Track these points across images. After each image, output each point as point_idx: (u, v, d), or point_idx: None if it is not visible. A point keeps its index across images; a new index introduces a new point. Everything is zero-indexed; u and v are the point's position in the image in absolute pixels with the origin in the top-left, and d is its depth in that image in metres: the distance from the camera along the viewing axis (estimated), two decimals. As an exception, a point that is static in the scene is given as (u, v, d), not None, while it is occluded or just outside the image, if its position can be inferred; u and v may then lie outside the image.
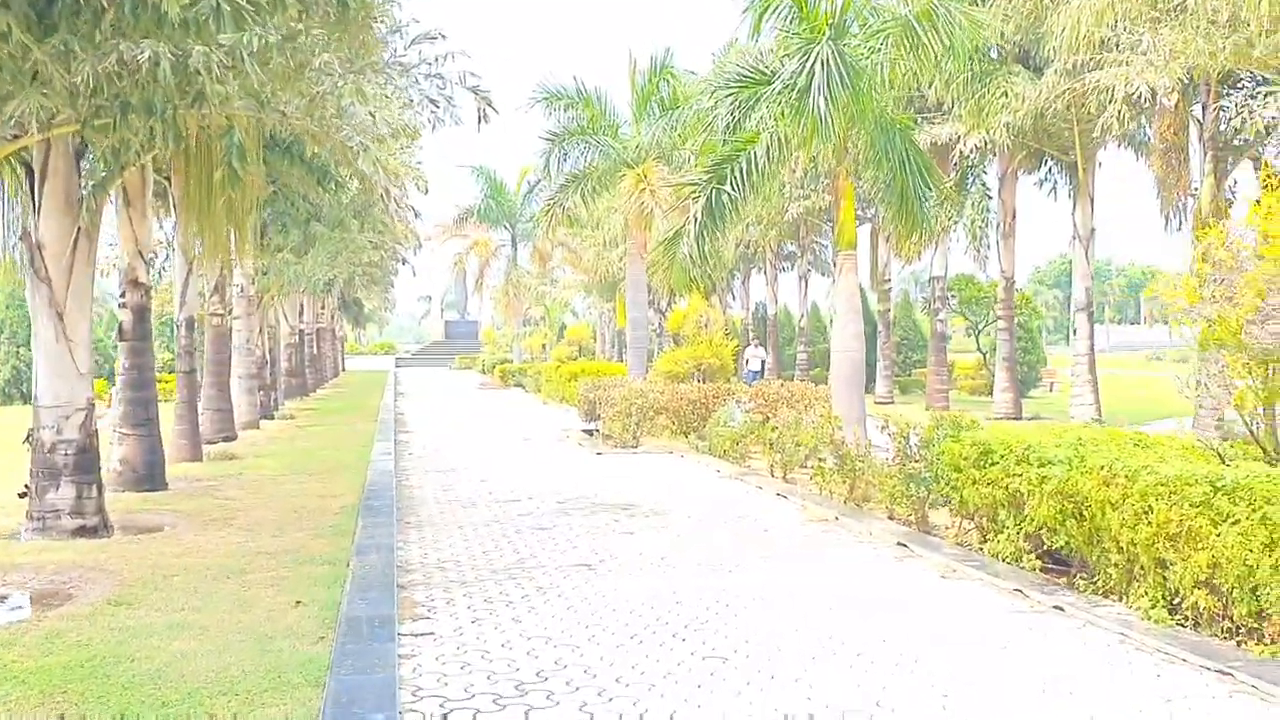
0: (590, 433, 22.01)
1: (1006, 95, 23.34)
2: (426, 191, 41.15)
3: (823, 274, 43.81)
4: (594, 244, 52.17)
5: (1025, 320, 36.26)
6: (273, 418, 27.68)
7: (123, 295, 14.64)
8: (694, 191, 14.39)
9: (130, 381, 14.70)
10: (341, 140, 9.86)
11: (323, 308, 57.56)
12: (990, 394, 39.85)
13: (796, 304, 45.69)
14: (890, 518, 11.62)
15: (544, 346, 54.19)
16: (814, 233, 40.25)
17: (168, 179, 15.85)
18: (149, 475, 14.58)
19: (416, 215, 44.94)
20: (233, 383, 24.76)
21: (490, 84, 11.21)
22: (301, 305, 43.01)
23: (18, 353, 37.87)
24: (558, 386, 33.83)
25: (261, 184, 24.39)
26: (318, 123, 9.58)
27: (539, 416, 29.07)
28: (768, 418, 18.40)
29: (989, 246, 27.06)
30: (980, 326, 38.23)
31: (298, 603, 7.93)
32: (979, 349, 39.64)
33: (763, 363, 37.40)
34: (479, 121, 12.00)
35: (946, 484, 10.08)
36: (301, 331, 42.09)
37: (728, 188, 13.91)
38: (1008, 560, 9.13)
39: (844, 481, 12.61)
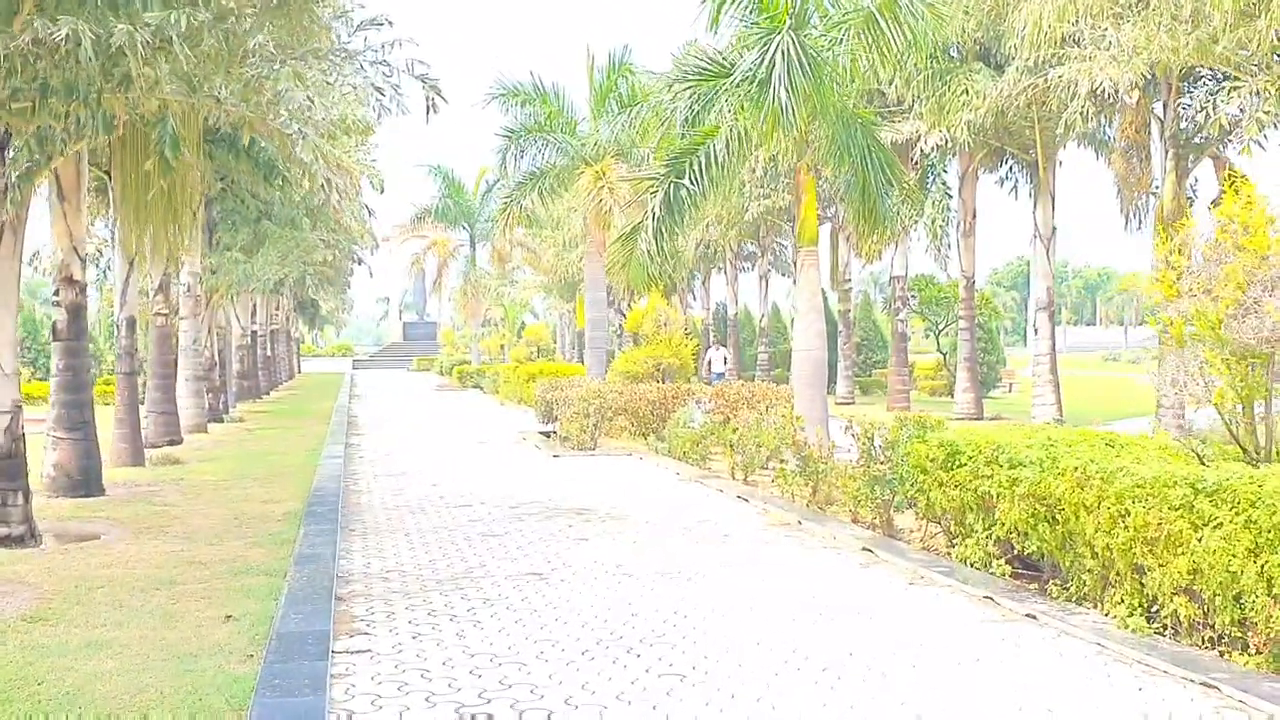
0: (547, 435, 21.54)
1: (968, 93, 23.15)
2: (382, 190, 40.51)
3: (783, 274, 43.60)
4: (553, 244, 51.79)
5: (985, 320, 36.20)
6: (222, 421, 26.95)
7: (56, 294, 14.01)
8: (652, 186, 13.99)
9: (65, 384, 14.05)
10: (278, 127, 9.35)
11: (277, 309, 56.63)
12: (950, 394, 39.89)
13: (757, 304, 45.52)
14: (854, 521, 11.28)
15: (502, 347, 53.60)
16: (774, 232, 40.02)
17: (107, 172, 15.21)
18: (84, 481, 13.96)
19: (370, 214, 44.30)
20: (179, 385, 24.13)
21: (446, 81, 10.77)
22: (254, 306, 42.18)
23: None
24: (516, 388, 33.32)
25: (206, 179, 23.79)
26: (253, 109, 9.05)
27: (496, 418, 28.55)
28: (728, 418, 18.04)
29: (950, 246, 26.92)
30: (940, 327, 38.14)
31: (228, 617, 7.43)
32: (939, 349, 39.56)
33: (726, 362, 37.09)
34: (428, 112, 11.53)
35: (912, 486, 9.74)
36: (254, 333, 41.26)
37: (686, 182, 13.52)
38: (977, 566, 8.80)
39: (806, 484, 12.26)
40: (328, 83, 10.36)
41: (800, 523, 11.20)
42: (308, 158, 9.88)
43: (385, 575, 8.99)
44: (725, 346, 40.43)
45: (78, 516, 12.16)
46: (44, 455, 14.01)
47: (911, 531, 10.32)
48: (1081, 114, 18.08)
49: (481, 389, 42.94)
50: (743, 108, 13.57)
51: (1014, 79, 21.75)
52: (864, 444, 10.68)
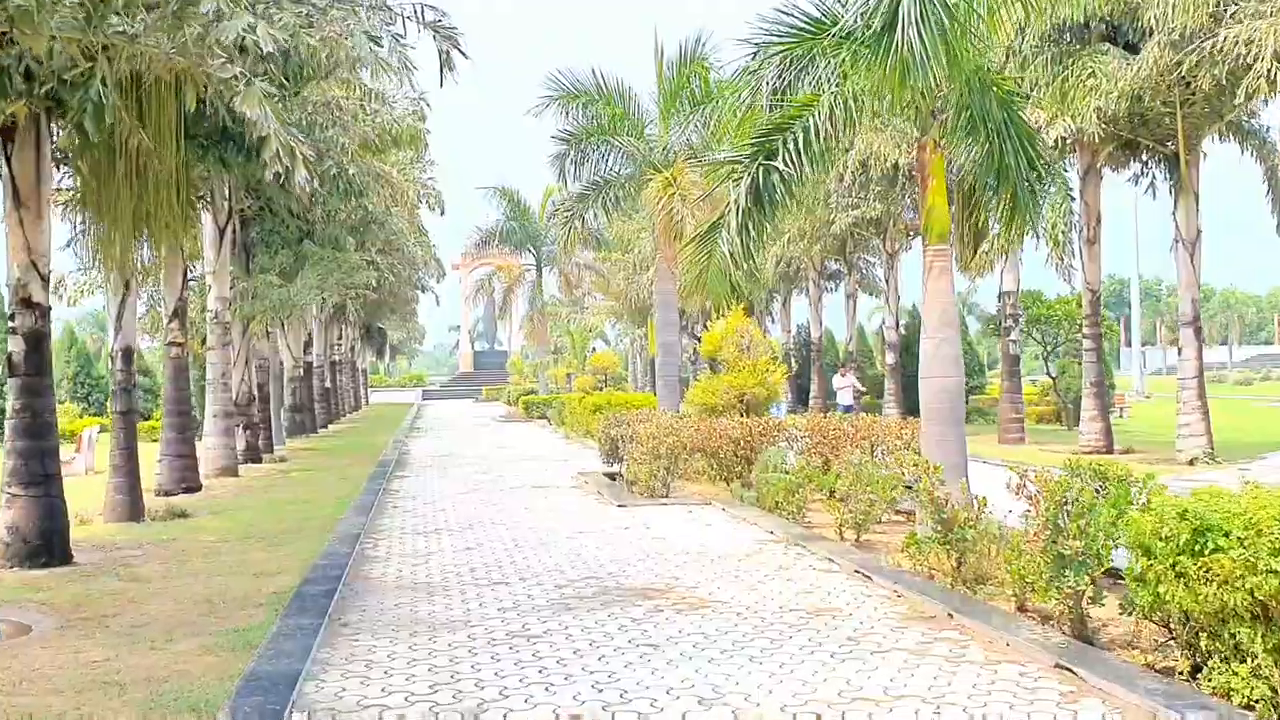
0: (612, 476, 18.66)
1: (1095, 75, 19.94)
2: (442, 212, 38.16)
3: (870, 294, 40.33)
4: (624, 268, 49.16)
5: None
6: (261, 460, 24.53)
7: (12, 319, 11.53)
8: (735, 172, 11.06)
9: (23, 428, 11.52)
10: (214, 72, 6.65)
11: (339, 338, 54.72)
12: (1057, 421, 36.26)
13: (837, 327, 42.31)
14: (1021, 610, 8.22)
15: (568, 376, 50.96)
16: (861, 248, 36.81)
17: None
18: (44, 547, 11.41)
19: (422, 230, 42.01)
20: (207, 423, 21.75)
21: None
22: (310, 335, 40.06)
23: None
24: (581, 419, 30.55)
25: (234, 194, 21.43)
26: (178, 47, 6.37)
27: (558, 455, 25.75)
28: (829, 461, 15.01)
29: (1073, 255, 23.60)
30: (1051, 348, 34.53)
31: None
32: (1048, 373, 35.93)
33: (857, 394, 32.94)
34: (441, 70, 8.82)
35: (1134, 577, 6.65)
36: (308, 364, 39.06)
37: (779, 164, 10.57)
38: (1254, 705, 5.72)
39: (949, 555, 9.20)
40: (303, 27, 7.64)
41: (951, 615, 8.13)
42: (252, 112, 7.19)
43: (357, 715, 6.13)
44: (852, 370, 34.63)
45: (9, 600, 9.56)
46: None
47: (1105, 626, 7.26)
48: (1268, 78, 14.76)
49: (547, 420, 40.29)
50: (851, 67, 10.62)
51: (1156, 55, 18.50)
52: (1049, 508, 7.58)
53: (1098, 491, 7.58)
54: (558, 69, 23.25)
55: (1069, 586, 7.41)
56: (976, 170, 12.10)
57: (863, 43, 10.08)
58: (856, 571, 9.97)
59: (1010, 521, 9.94)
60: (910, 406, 34.75)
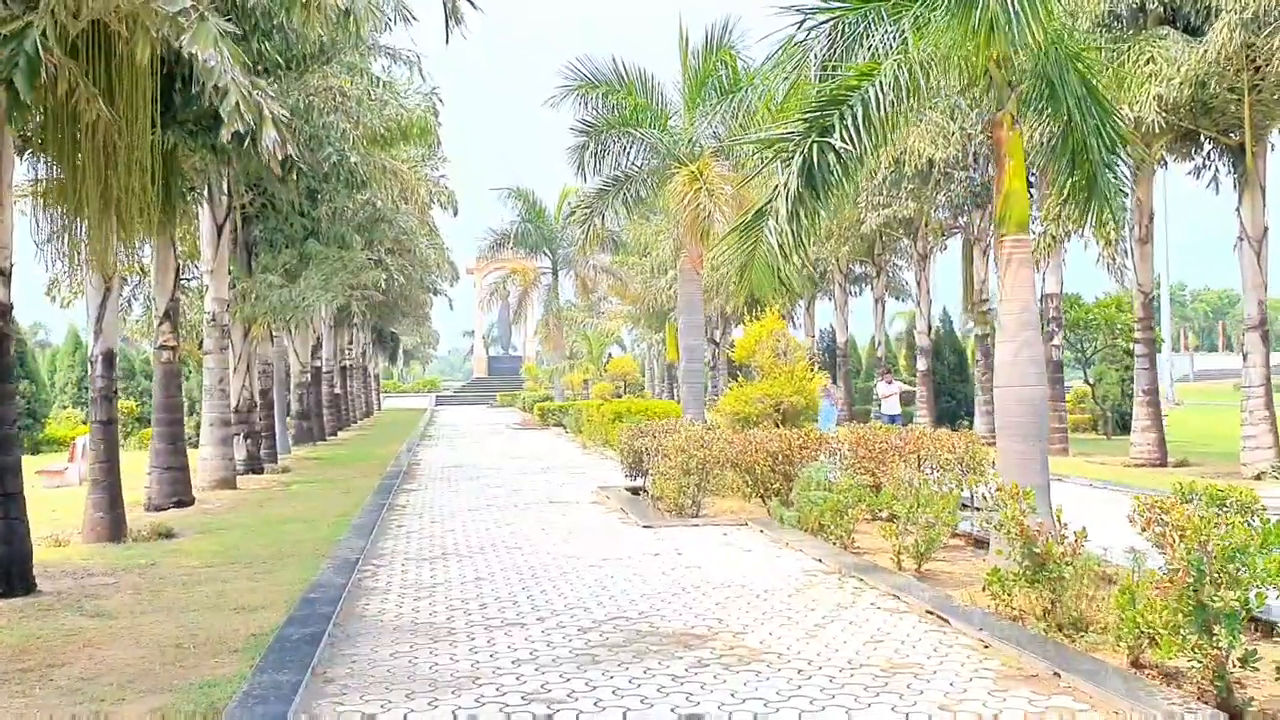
0: (636, 491, 17.29)
1: (1154, 61, 18.54)
2: (455, 212, 36.90)
3: (897, 297, 38.87)
4: (640, 271, 47.88)
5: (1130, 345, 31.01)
6: (262, 470, 23.22)
7: (-33, 318, 10.24)
8: (783, 150, 9.67)
9: (-21, 441, 10.24)
10: (159, 7, 5.33)
11: (350, 342, 53.46)
12: (1094, 430, 34.73)
13: (858, 331, 40.80)
14: (1135, 666, 6.84)
15: (585, 382, 49.60)
16: (890, 250, 35.35)
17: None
18: (3, 574, 10.21)
19: (432, 229, 40.74)
20: (203, 432, 20.48)
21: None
22: (318, 339, 38.81)
23: None
24: (600, 428, 29.18)
25: (234, 188, 20.15)
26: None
27: (576, 466, 24.38)
28: (875, 477, 13.62)
29: (1125, 254, 22.11)
30: (1091, 353, 33.04)
31: None
32: (1086, 380, 34.42)
33: (903, 401, 30.30)
34: (447, 24, 7.49)
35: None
36: (317, 369, 37.78)
37: (836, 141, 9.20)
38: None
39: (1042, 595, 7.82)
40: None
41: (1058, 675, 6.72)
42: (204, 54, 5.83)
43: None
44: (894, 375, 31.84)
45: (-51, 642, 8.26)
46: (-48, 540, 10.24)
47: (1246, 688, 5.88)
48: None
49: (564, 427, 38.94)
50: (916, 33, 9.25)
51: (1225, 37, 17.08)
52: (1189, 548, 6.17)
53: (1249, 527, 6.17)
54: (576, 58, 21.96)
55: (1214, 647, 6.01)
56: (1050, 151, 10.78)
57: (931, 5, 8.71)
58: (929, 612, 8.57)
59: (1113, 555, 8.61)
60: (942, 415, 33.33)
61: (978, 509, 13.57)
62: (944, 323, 38.11)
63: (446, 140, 35.56)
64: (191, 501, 17.13)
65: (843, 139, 9.15)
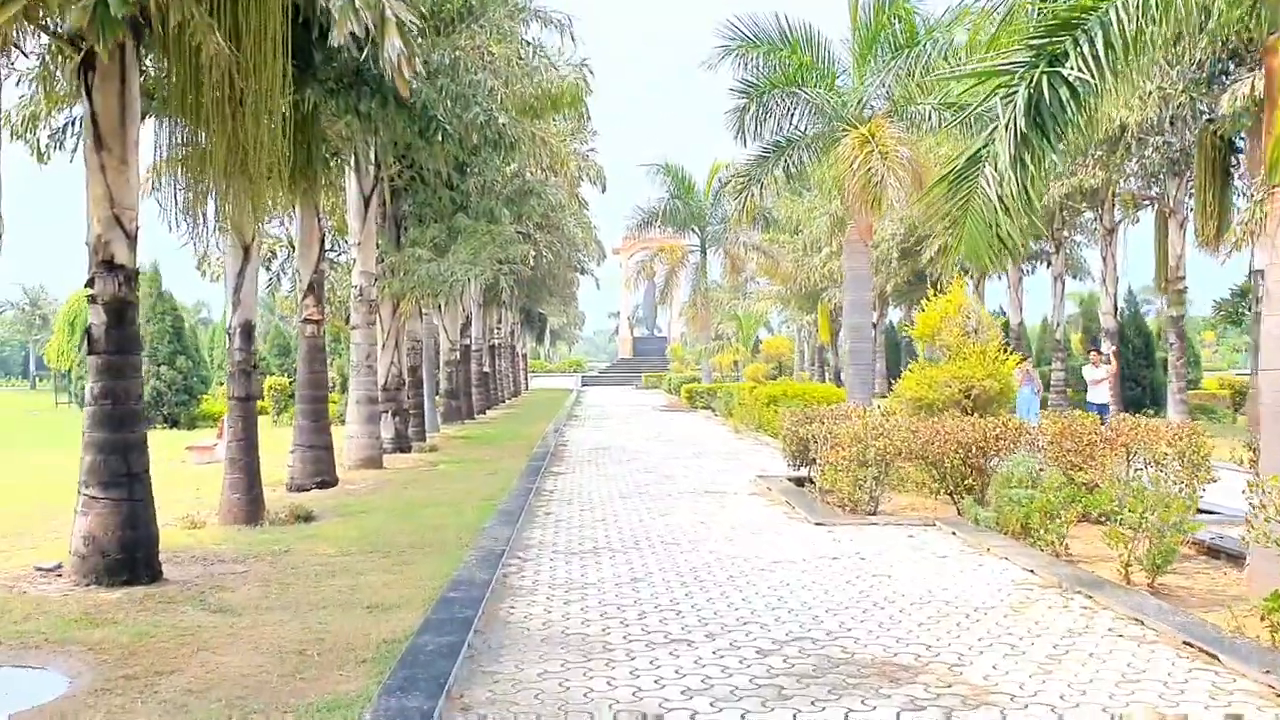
0: (800, 482, 15.85)
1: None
2: (604, 188, 35.92)
3: (1075, 276, 36.13)
4: (793, 249, 46.20)
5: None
6: (409, 450, 22.65)
7: (90, 284, 9.52)
8: (1003, 84, 8.09)
9: (101, 417, 9.53)
10: None
11: (499, 321, 53.26)
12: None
13: (1027, 312, 38.04)
14: None
15: (735, 364, 48.11)
16: (1070, 226, 32.76)
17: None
18: (126, 562, 9.41)
19: (583, 205, 39.87)
20: (350, 410, 19.92)
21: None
22: (467, 318, 38.40)
23: (158, 372, 34.32)
24: (752, 412, 27.77)
25: (381, 155, 19.41)
26: None
27: (728, 451, 23.05)
28: (1081, 471, 11.89)
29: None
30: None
31: None
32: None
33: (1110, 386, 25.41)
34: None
35: None
36: (466, 347, 37.38)
37: (1070, 71, 7.58)
38: None
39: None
40: None
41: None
42: None
43: None
44: (1105, 353, 27.14)
45: (65, 638, 7.47)
46: (73, 522, 9.59)
47: None
48: None
49: (712, 410, 37.64)
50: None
51: None
52: None
53: None
54: (734, 15, 20.48)
55: None
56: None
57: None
58: (1187, 643, 6.94)
59: None
60: (1129, 402, 30.68)
61: (1209, 512, 11.75)
62: (1127, 303, 35.26)
63: (594, 115, 34.63)
64: (335, 482, 16.50)
65: (1080, 67, 7.52)
